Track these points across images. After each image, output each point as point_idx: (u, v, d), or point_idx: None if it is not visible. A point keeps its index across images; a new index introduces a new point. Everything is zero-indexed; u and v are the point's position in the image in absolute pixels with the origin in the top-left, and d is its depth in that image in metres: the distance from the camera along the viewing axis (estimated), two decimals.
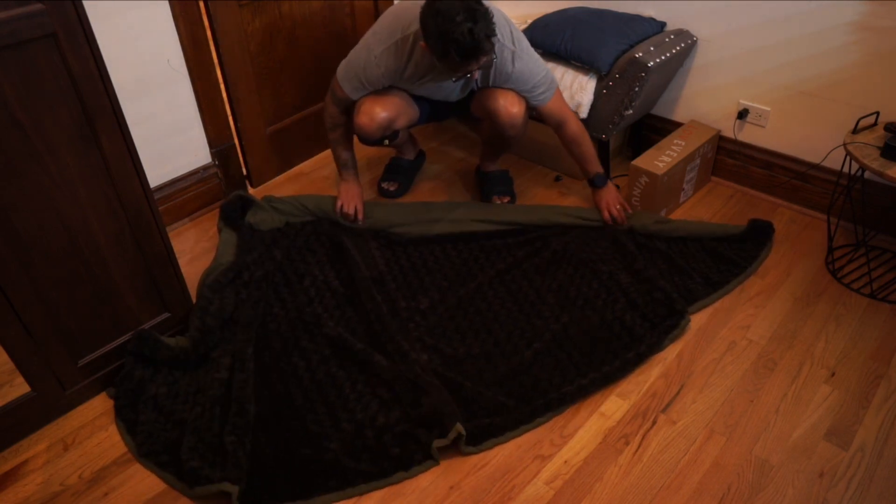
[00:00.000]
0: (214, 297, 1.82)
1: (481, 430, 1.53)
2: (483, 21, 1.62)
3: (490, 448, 1.52)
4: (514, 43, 1.85)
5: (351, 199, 2.18)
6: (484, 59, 1.70)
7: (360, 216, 2.17)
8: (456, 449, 1.51)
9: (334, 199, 2.23)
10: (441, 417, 1.50)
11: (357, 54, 1.92)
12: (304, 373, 1.69)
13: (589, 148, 2.08)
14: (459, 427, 1.47)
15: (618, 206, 2.12)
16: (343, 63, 1.97)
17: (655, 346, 1.73)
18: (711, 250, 2.02)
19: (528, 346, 1.74)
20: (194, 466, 1.42)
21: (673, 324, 1.77)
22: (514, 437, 1.54)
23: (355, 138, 2.12)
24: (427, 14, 1.64)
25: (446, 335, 1.79)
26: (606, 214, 2.12)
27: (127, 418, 1.58)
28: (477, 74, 1.80)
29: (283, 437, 1.53)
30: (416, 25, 1.75)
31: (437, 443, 1.47)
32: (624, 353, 1.71)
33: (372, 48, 1.87)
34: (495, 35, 1.68)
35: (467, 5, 1.60)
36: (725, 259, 1.99)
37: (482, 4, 1.65)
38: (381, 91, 2.00)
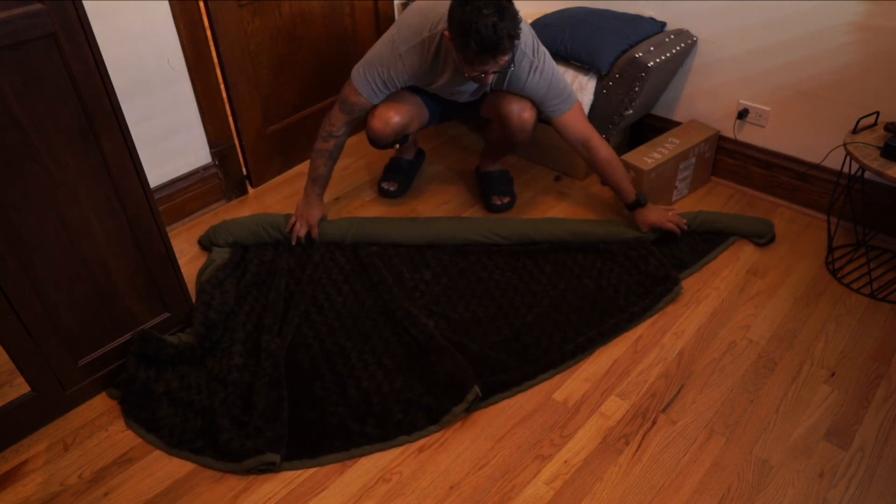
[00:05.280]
0: (215, 292, 1.85)
1: (489, 386, 1.63)
2: (509, 20, 1.61)
3: (497, 402, 1.62)
4: (534, 54, 1.84)
5: (307, 220, 2.06)
6: (502, 60, 1.68)
7: (313, 234, 2.07)
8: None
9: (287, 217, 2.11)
10: (457, 383, 1.58)
11: (379, 53, 1.88)
12: (312, 342, 1.77)
13: (620, 171, 1.98)
14: (476, 390, 1.55)
15: (670, 215, 2.01)
16: (360, 65, 1.92)
17: (649, 309, 1.84)
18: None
19: (528, 311, 1.84)
20: (238, 444, 1.48)
21: (666, 289, 1.87)
22: (519, 392, 1.64)
23: (362, 144, 2.09)
24: (457, 2, 1.63)
25: (451, 302, 1.89)
26: (671, 226, 2.00)
27: (142, 418, 1.59)
28: (491, 79, 1.76)
29: (291, 401, 1.60)
30: (443, 24, 1.74)
31: (456, 409, 1.54)
32: (619, 314, 1.82)
33: (397, 46, 1.84)
34: (518, 38, 1.67)
35: (498, 3, 1.60)
36: (713, 230, 2.11)
37: (513, 6, 1.64)
38: (394, 96, 1.99)
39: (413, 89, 2.04)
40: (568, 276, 1.95)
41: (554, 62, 1.92)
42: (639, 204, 2.02)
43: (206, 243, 2.12)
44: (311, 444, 1.52)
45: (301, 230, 2.06)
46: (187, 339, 1.73)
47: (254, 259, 2.03)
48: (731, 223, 2.10)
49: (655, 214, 2.03)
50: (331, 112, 2.00)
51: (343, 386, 1.64)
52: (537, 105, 1.94)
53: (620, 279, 1.92)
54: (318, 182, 2.07)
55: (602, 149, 1.95)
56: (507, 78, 1.89)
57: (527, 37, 1.83)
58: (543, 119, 2.03)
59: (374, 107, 1.98)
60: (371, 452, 1.51)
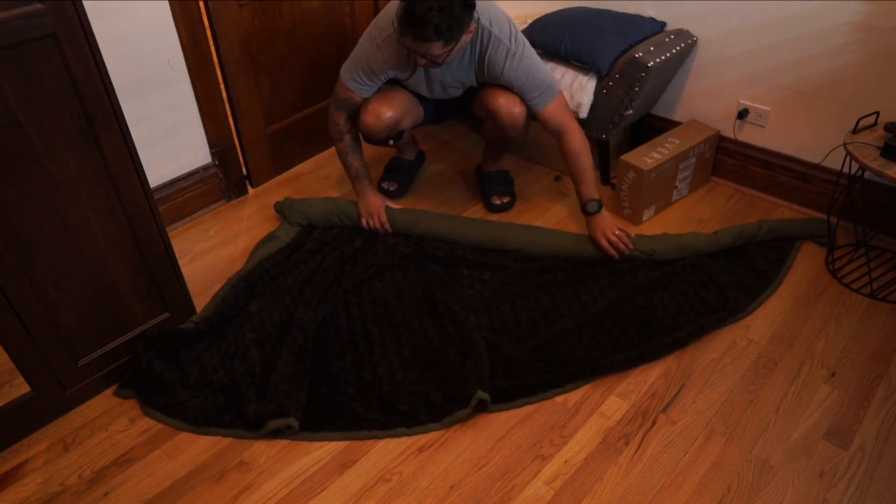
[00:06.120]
0: (253, 276, 1.97)
1: (514, 389, 1.62)
2: (448, 15, 1.62)
3: (520, 406, 1.60)
4: (511, 42, 1.84)
5: (374, 213, 2.12)
6: (423, 47, 1.69)
7: (386, 227, 2.12)
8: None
9: (350, 203, 2.17)
10: (469, 388, 1.57)
11: (361, 46, 1.92)
12: (342, 322, 1.83)
13: (584, 166, 1.95)
14: (481, 394, 1.54)
15: (616, 232, 1.95)
16: (346, 62, 1.97)
17: (695, 335, 1.74)
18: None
19: (572, 318, 1.80)
20: (265, 411, 1.54)
21: (720, 318, 1.78)
22: (544, 399, 1.62)
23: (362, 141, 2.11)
24: None
25: (496, 300, 1.88)
26: (605, 243, 1.94)
27: (161, 405, 1.62)
28: (423, 62, 1.76)
29: (310, 375, 1.66)
30: None
31: (460, 413, 1.55)
32: (663, 337, 1.73)
33: (375, 37, 1.88)
34: (447, 38, 1.67)
35: (451, 2, 1.61)
36: (769, 247, 2.02)
37: (466, 15, 1.66)
38: (386, 91, 2.01)
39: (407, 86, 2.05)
40: (620, 287, 1.87)
41: (535, 53, 1.90)
42: (586, 210, 1.98)
43: (279, 211, 2.22)
44: (316, 419, 1.56)
45: (375, 223, 2.13)
46: (202, 315, 1.82)
47: (317, 238, 2.11)
48: (794, 227, 2.05)
49: (602, 227, 1.96)
50: (329, 113, 2.05)
51: (359, 369, 1.69)
52: (518, 96, 1.93)
53: (674, 299, 1.82)
54: (360, 176, 2.12)
55: (574, 142, 1.94)
56: (484, 67, 1.89)
57: (503, 24, 1.83)
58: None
59: (367, 102, 2.00)
60: (369, 438, 1.54)
